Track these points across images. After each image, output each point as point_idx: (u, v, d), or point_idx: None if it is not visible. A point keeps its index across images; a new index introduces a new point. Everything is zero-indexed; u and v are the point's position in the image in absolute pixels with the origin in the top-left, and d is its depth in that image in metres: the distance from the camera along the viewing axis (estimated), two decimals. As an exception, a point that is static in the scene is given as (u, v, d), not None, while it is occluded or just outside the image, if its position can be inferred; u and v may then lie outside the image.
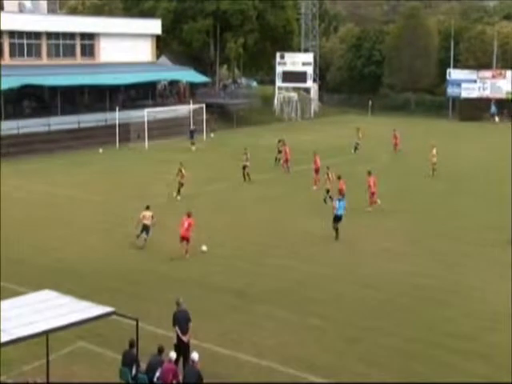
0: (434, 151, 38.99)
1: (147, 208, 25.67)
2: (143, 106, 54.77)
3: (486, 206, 31.80)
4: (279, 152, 42.25)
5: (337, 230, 26.27)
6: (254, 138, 54.40)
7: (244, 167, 37.74)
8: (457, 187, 36.59)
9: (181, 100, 63.89)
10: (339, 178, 31.13)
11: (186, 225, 23.65)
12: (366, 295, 20.43)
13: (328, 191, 31.79)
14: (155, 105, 59.04)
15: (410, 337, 17.50)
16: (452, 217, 30.18)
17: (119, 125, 50.87)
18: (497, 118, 70.41)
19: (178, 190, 33.25)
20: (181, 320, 15.17)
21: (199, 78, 64.14)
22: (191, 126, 53.13)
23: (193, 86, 67.05)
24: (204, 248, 24.56)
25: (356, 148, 46.53)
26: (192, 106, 57.47)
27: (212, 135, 56.96)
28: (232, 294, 20.33)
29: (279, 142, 43.15)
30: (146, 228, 25.21)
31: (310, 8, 78.77)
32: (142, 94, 61.51)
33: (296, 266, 23.14)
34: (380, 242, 26.05)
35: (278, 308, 19.27)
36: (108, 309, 13.27)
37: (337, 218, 26.35)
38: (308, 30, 78.67)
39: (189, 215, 23.86)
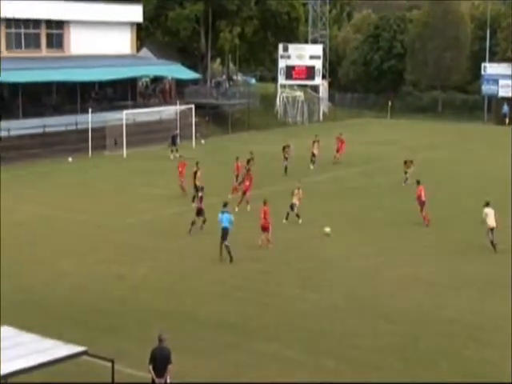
0: (410, 166, 40.52)
1: (201, 189, 30.54)
2: (121, 107, 54.80)
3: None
4: (285, 159, 43.25)
5: (221, 247, 26.28)
6: (252, 144, 54.31)
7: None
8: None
9: (166, 100, 63.97)
10: (248, 170, 33.82)
11: (262, 215, 27.65)
12: (386, 330, 20.30)
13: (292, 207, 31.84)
14: (135, 106, 59.11)
15: (442, 382, 17.29)
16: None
17: (92, 129, 50.80)
18: (507, 120, 70.61)
19: (194, 197, 34.01)
20: (158, 359, 15.04)
21: (187, 73, 64.21)
22: (172, 131, 53.18)
23: (180, 84, 67.16)
24: (327, 230, 28.93)
25: (313, 161, 45.45)
26: (179, 107, 57.49)
27: (203, 141, 56.98)
28: (229, 329, 20.19)
29: (284, 148, 43.84)
30: (198, 212, 29.79)
31: (318, -9, 79.21)
32: (120, 92, 61.55)
33: (305, 296, 23.06)
34: (404, 267, 26.01)
35: (284, 346, 19.12)
36: (78, 348, 13.19)
37: (223, 233, 26.37)
38: (316, 17, 79.03)
39: (265, 203, 27.95)
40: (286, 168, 42.99)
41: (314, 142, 46.26)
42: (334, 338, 19.76)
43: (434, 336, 19.98)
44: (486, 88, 74.54)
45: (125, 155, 50.18)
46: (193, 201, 33.83)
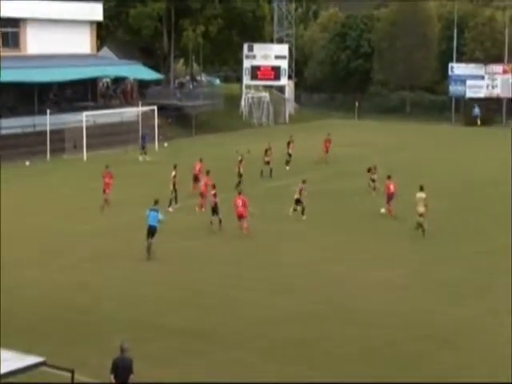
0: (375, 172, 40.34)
1: (213, 187, 31.24)
2: (81, 109, 54.42)
3: (498, 226, 32.11)
4: (267, 163, 43.61)
5: (148, 245, 26.72)
6: (217, 147, 54.30)
7: (240, 175, 39.65)
8: (461, 206, 36.98)
9: (127, 101, 63.65)
10: (208, 172, 34.49)
11: (240, 203, 29.54)
12: (358, 336, 20.29)
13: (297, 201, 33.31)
14: (96, 107, 58.73)
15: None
16: (460, 240, 30.38)
17: (51, 131, 50.48)
18: (479, 121, 71.38)
19: (171, 200, 34.46)
20: (120, 369, 14.90)
21: (150, 74, 64.05)
22: (141, 131, 52.91)
23: (142, 85, 66.94)
24: (383, 210, 33.55)
25: (288, 162, 46.01)
26: (141, 109, 57.24)
27: (166, 144, 56.79)
28: (192, 337, 20.05)
29: (266, 151, 44.11)
30: (212, 209, 30.47)
31: (284, -11, 79.36)
32: (80, 93, 61.14)
33: (274, 302, 23.01)
34: (376, 271, 26.09)
35: (251, 353, 19.03)
36: (37, 358, 13.01)
37: (149, 231, 26.74)
38: (282, 15, 79.16)
39: (240, 193, 30.31)
40: (270, 170, 43.54)
41: (288, 142, 47.00)
42: (303, 344, 19.66)
43: (409, 340, 20.00)
44: (454, 89, 75.10)
45: (85, 158, 49.77)
46: (169, 205, 34.04)
